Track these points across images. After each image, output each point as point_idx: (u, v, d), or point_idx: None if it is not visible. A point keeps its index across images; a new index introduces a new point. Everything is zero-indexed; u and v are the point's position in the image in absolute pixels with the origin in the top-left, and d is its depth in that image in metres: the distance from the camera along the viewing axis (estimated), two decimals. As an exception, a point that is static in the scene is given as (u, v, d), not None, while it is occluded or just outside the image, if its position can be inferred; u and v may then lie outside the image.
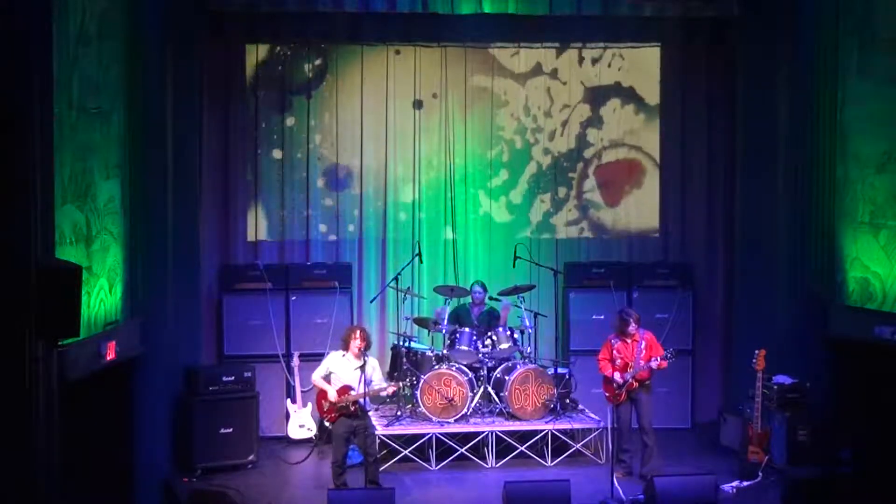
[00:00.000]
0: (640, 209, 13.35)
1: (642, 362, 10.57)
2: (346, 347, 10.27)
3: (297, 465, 11.26)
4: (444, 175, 13.09)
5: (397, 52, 12.95)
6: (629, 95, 13.32)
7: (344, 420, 10.09)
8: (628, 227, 13.32)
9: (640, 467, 10.67)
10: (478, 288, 12.17)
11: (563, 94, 13.26)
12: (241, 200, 12.79)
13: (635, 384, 10.64)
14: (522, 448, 11.23)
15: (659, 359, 10.59)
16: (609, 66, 13.28)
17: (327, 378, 10.23)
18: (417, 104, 13.04)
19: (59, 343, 7.25)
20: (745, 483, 10.50)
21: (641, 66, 13.29)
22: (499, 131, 13.19)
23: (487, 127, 13.16)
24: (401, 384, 10.81)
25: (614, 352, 10.70)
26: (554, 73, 13.25)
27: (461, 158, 13.10)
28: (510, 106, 13.22)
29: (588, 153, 13.30)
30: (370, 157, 13.03)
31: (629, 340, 10.68)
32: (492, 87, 13.17)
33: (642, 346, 10.65)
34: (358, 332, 10.28)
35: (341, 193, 12.98)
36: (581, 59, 13.24)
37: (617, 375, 10.62)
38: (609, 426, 10.83)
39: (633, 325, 10.65)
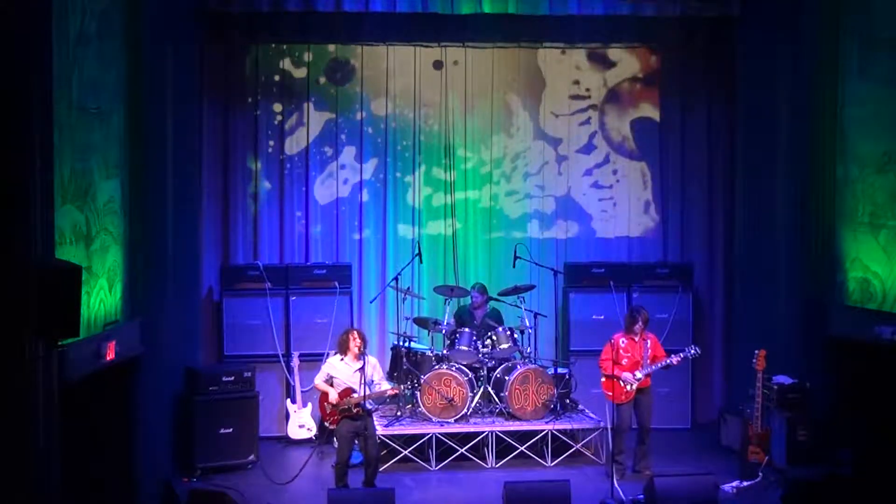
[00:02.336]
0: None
1: (650, 362, 10.65)
2: (344, 351, 10.24)
3: (298, 470, 11.25)
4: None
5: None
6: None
7: (347, 421, 10.08)
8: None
9: (634, 464, 10.71)
10: (475, 294, 12.15)
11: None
12: (241, 200, 12.79)
13: (649, 381, 10.74)
14: (522, 448, 11.22)
15: (679, 356, 10.66)
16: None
17: (329, 382, 10.21)
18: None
19: (59, 343, 7.25)
20: (745, 483, 10.49)
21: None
22: (485, 146, 13.15)
23: (487, 134, 13.16)
24: (401, 387, 10.79)
25: (621, 351, 10.69)
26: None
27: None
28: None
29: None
30: (370, 158, 13.04)
31: (636, 338, 10.72)
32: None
33: (648, 344, 10.72)
34: (354, 333, 10.26)
35: (341, 192, 12.99)
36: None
37: (627, 374, 10.63)
38: (609, 426, 10.87)
39: (641, 324, 10.72)
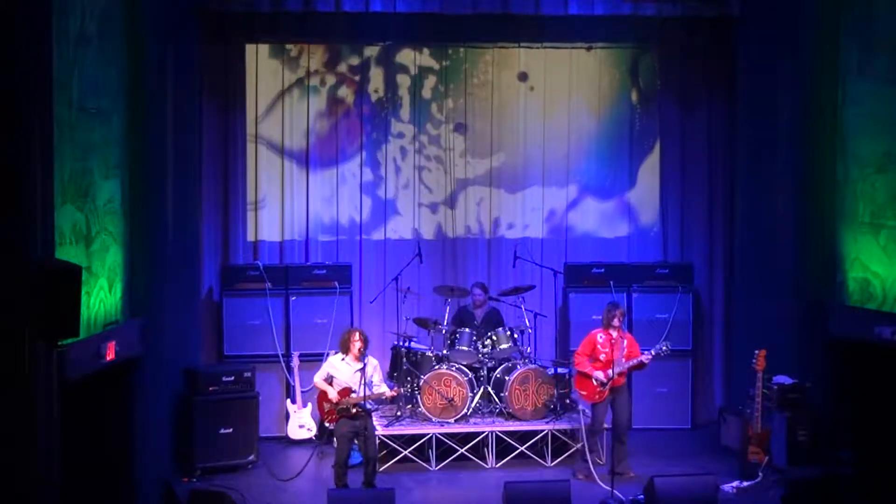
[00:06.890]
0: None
1: (624, 360, 10.56)
2: (345, 351, 10.23)
3: (298, 469, 11.26)
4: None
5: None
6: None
7: (346, 421, 10.08)
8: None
9: (614, 466, 10.51)
10: (477, 291, 12.16)
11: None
12: (241, 200, 12.78)
13: (622, 380, 10.64)
14: (522, 448, 11.23)
15: (652, 351, 10.56)
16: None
17: (329, 380, 10.21)
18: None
19: (59, 343, 7.25)
20: (745, 483, 10.50)
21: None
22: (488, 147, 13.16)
23: (487, 135, 13.17)
24: (401, 390, 10.79)
25: (599, 346, 10.67)
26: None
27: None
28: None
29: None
30: (370, 158, 13.05)
31: (614, 335, 10.67)
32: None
33: (625, 343, 10.66)
34: (356, 333, 10.23)
35: (341, 191, 13.01)
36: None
37: (600, 374, 10.60)
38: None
39: (618, 319, 10.66)
